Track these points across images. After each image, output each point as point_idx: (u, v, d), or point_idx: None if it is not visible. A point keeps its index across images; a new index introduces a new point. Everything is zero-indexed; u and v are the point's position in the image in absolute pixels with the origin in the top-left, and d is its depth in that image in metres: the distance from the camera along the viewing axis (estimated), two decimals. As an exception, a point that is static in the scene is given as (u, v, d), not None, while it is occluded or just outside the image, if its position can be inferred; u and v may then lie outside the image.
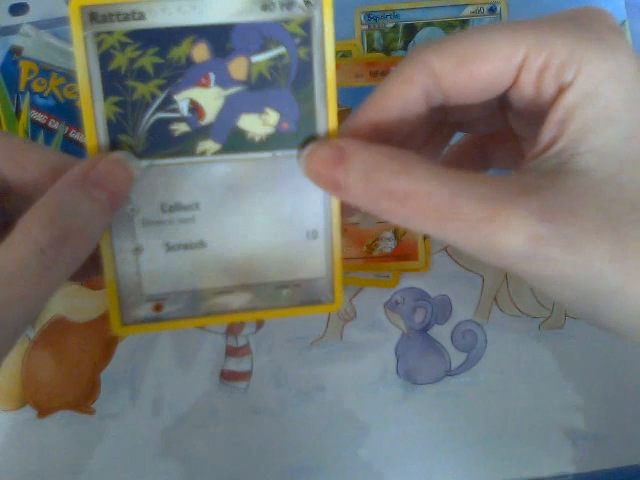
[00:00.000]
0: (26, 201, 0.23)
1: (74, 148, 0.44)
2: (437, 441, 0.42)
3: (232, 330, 0.43)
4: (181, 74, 0.24)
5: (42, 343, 0.43)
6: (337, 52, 0.43)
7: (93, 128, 0.24)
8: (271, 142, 0.25)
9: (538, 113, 0.22)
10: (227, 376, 0.43)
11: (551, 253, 0.20)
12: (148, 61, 0.24)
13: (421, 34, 0.44)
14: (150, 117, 0.25)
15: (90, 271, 0.25)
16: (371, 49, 0.44)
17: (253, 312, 0.27)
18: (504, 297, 0.43)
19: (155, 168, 0.25)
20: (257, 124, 0.25)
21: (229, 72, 0.25)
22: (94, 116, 0.24)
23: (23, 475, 0.42)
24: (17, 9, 0.46)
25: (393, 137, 0.24)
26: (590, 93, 0.21)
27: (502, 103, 0.25)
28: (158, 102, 0.25)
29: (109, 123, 0.24)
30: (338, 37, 0.44)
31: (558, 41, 0.21)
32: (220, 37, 0.24)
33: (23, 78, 0.44)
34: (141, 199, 0.25)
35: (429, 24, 0.44)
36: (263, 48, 0.24)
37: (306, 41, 0.24)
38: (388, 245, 0.42)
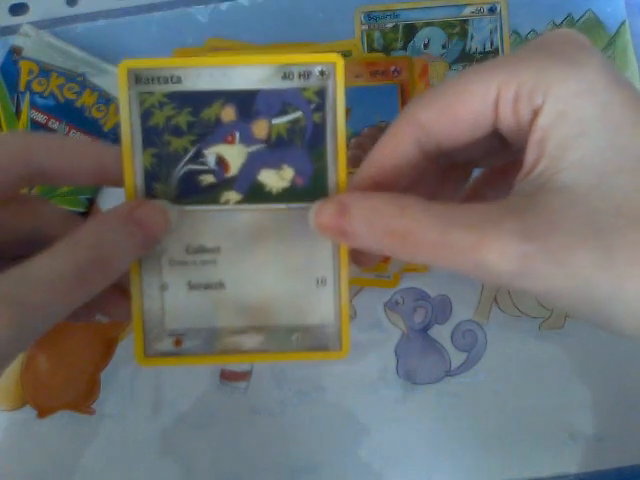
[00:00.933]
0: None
1: (74, 148, 0.44)
2: (437, 441, 0.42)
3: (232, 330, 0.43)
4: (210, 132, 0.28)
5: (42, 343, 0.43)
6: (337, 52, 0.43)
7: (132, 174, 0.27)
8: (286, 195, 0.28)
9: (523, 140, 0.24)
10: (227, 376, 0.43)
11: (539, 269, 0.21)
12: (183, 119, 0.28)
13: (421, 34, 0.44)
14: (181, 168, 0.28)
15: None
16: (371, 49, 0.44)
17: (264, 354, 0.29)
18: (504, 297, 0.43)
19: (183, 213, 0.28)
20: (275, 179, 0.28)
21: (252, 132, 0.28)
22: (133, 164, 0.27)
23: (23, 475, 0.42)
24: (17, 9, 0.46)
25: (396, 187, 0.27)
26: (561, 112, 0.22)
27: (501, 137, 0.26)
28: (189, 155, 0.28)
29: (146, 171, 0.28)
30: (338, 37, 0.44)
31: (525, 70, 0.23)
32: (245, 101, 0.27)
33: (23, 78, 0.44)
34: (169, 240, 0.28)
35: (429, 24, 0.44)
36: (282, 112, 0.27)
37: (320, 106, 0.27)
38: None
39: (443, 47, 0.44)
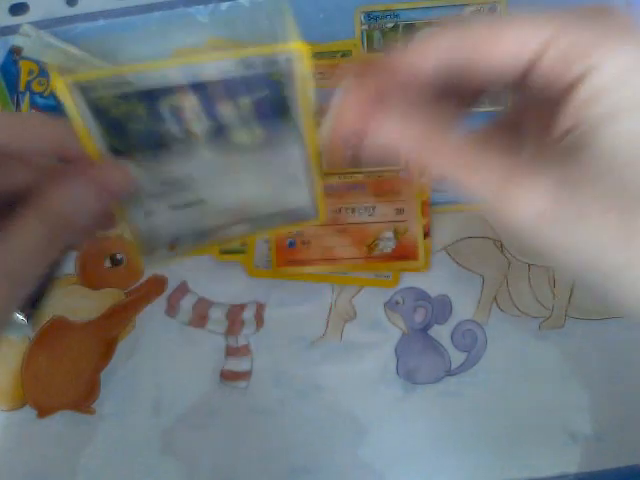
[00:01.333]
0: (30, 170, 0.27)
1: (74, 148, 0.44)
2: (437, 441, 0.42)
3: (232, 330, 0.43)
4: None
5: (42, 343, 0.43)
6: (337, 52, 0.43)
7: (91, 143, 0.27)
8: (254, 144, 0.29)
9: (561, 93, 0.23)
10: (227, 376, 0.43)
11: (564, 217, 0.22)
12: (141, 111, 0.27)
13: (421, 34, 0.44)
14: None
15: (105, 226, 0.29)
16: (371, 49, 0.44)
17: (252, 234, 0.32)
18: (504, 297, 0.43)
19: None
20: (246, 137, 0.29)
21: (218, 111, 0.28)
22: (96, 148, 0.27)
23: (23, 475, 0.42)
24: (17, 9, 0.46)
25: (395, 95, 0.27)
26: (617, 78, 0.22)
27: (521, 83, 0.25)
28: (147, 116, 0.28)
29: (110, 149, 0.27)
30: (338, 37, 0.44)
31: (586, 25, 0.22)
32: (209, 89, 0.27)
33: (23, 78, 0.44)
34: (143, 181, 0.29)
35: (429, 24, 0.44)
36: (248, 92, 0.27)
37: (288, 85, 0.28)
38: (388, 245, 0.42)
39: None
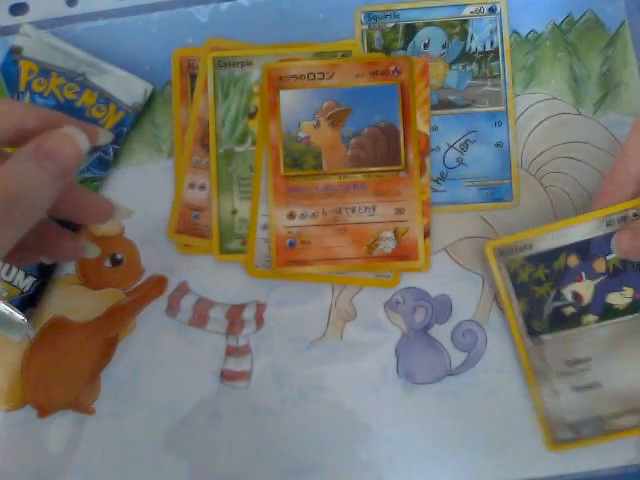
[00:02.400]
0: None
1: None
2: (437, 441, 0.42)
3: (232, 330, 0.43)
4: (563, 276, 0.39)
5: (42, 343, 0.43)
6: (337, 52, 0.43)
7: (513, 317, 0.41)
8: (631, 307, 0.39)
9: None
10: (227, 376, 0.43)
11: None
12: (541, 273, 0.39)
13: (421, 34, 0.44)
14: (549, 306, 0.40)
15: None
16: (371, 49, 0.44)
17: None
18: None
19: (558, 338, 0.40)
20: (619, 298, 0.39)
21: (594, 269, 0.39)
22: (513, 310, 0.40)
23: (23, 475, 0.42)
24: (17, 9, 0.46)
25: None
26: None
27: None
28: (552, 296, 0.40)
29: (523, 314, 0.40)
30: (338, 37, 0.44)
31: None
32: (583, 248, 0.39)
33: (23, 78, 0.44)
34: (554, 359, 0.40)
35: (429, 24, 0.44)
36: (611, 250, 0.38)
37: None
38: (388, 245, 0.42)
39: (443, 47, 0.44)
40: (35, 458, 0.42)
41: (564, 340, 0.40)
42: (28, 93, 0.44)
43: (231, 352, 0.43)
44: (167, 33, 0.45)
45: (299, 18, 0.45)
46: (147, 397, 0.43)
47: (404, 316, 0.43)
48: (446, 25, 0.44)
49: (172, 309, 0.44)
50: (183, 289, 0.44)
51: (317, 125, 0.42)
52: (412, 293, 0.43)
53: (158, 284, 0.44)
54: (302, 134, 0.42)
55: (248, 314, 0.43)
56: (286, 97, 0.42)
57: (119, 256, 0.44)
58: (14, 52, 0.44)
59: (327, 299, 0.43)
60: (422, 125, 0.42)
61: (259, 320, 0.43)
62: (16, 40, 0.44)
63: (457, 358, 0.43)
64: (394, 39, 0.44)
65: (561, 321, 0.40)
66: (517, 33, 0.44)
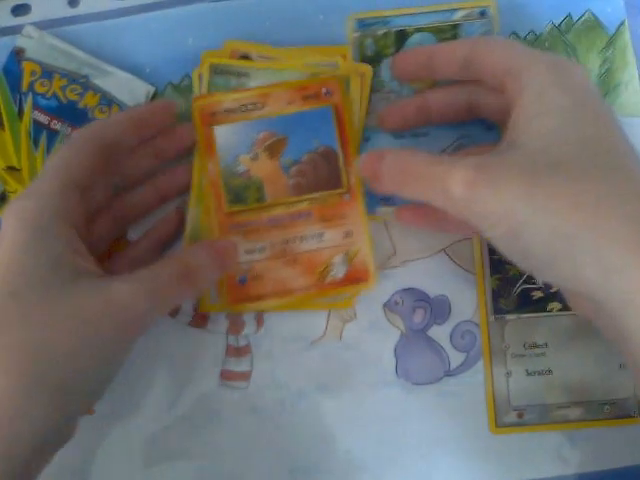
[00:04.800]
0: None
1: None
2: (437, 441, 0.42)
3: (233, 330, 0.43)
4: None
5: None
6: (329, 58, 0.43)
7: (483, 293, 0.42)
8: None
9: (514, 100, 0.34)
10: (227, 376, 0.43)
11: (481, 193, 0.30)
12: None
13: (412, 40, 0.44)
14: (519, 287, 0.41)
15: None
16: (363, 56, 0.44)
17: (582, 423, 0.41)
18: (504, 298, 0.43)
19: (521, 320, 0.41)
20: None
21: None
22: (484, 285, 0.42)
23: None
24: (19, 10, 0.46)
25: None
26: (539, 94, 0.32)
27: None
28: (524, 278, 0.41)
29: (493, 291, 0.42)
30: (339, 40, 0.44)
31: (532, 63, 0.33)
32: None
33: (26, 79, 0.44)
34: (512, 340, 0.41)
35: (420, 30, 0.44)
36: None
37: None
38: (340, 270, 0.41)
39: None
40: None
41: (526, 323, 0.42)
42: (30, 94, 0.44)
43: (231, 352, 0.43)
44: (167, 33, 0.45)
45: (299, 19, 0.45)
46: (147, 397, 0.43)
47: (403, 317, 0.43)
48: (437, 30, 0.44)
49: (172, 309, 0.44)
50: (183, 289, 0.44)
51: (255, 158, 0.41)
52: (411, 294, 0.43)
53: (158, 284, 0.44)
54: (241, 168, 0.41)
55: (248, 314, 0.43)
56: (221, 133, 0.41)
57: (120, 256, 0.44)
58: (16, 53, 0.44)
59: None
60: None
61: (259, 320, 0.43)
62: (18, 41, 0.44)
63: (456, 359, 0.43)
64: (385, 45, 0.44)
65: (527, 303, 0.41)
66: (515, 34, 0.44)
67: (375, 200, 0.43)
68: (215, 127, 0.41)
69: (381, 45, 0.44)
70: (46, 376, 0.30)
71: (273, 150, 0.41)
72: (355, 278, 0.41)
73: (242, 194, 0.41)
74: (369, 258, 0.41)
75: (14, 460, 0.30)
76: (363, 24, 0.45)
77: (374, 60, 0.44)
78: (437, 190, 0.32)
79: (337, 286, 0.41)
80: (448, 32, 0.44)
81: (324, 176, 0.41)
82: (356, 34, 0.45)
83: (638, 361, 0.29)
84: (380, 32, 0.44)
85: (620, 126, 0.33)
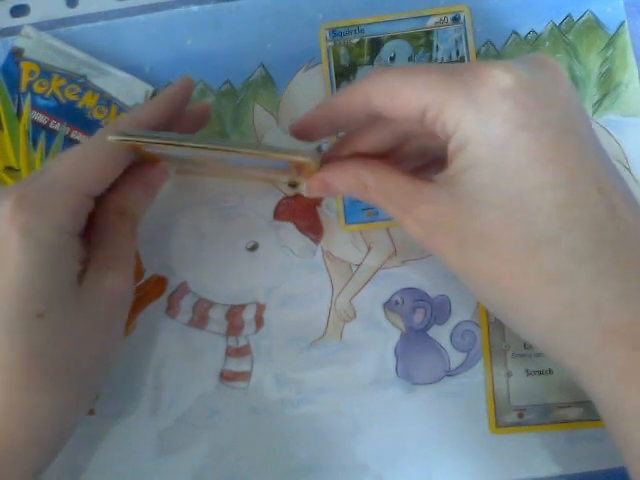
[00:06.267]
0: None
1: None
2: (437, 441, 0.42)
3: (232, 331, 0.43)
4: None
5: (43, 343, 0.44)
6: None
7: None
8: None
9: (445, 140, 0.31)
10: (227, 377, 0.43)
11: (429, 248, 0.32)
12: None
13: (387, 47, 0.44)
14: None
15: None
16: (337, 66, 0.44)
17: (584, 423, 0.41)
18: (504, 297, 0.43)
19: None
20: None
21: None
22: None
23: (23, 475, 0.43)
24: (18, 10, 0.46)
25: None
26: (463, 147, 0.29)
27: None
28: None
29: None
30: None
31: (453, 93, 0.29)
32: None
33: (24, 79, 0.44)
34: (513, 339, 0.41)
35: (394, 37, 0.44)
36: None
37: None
38: None
39: (409, 59, 0.44)
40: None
41: None
42: (29, 94, 0.44)
43: (231, 353, 0.43)
44: (167, 34, 0.45)
45: (298, 18, 0.45)
46: (147, 397, 0.43)
47: (403, 317, 0.43)
48: (411, 37, 0.44)
49: (172, 309, 0.44)
50: (183, 289, 0.44)
51: None
52: (411, 294, 0.43)
53: (158, 284, 0.44)
54: None
55: (248, 315, 0.43)
56: None
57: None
58: (15, 54, 0.44)
59: (327, 299, 0.43)
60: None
61: (259, 321, 0.43)
62: (17, 41, 0.44)
63: (456, 359, 0.43)
64: (360, 54, 0.44)
65: None
66: (516, 33, 0.44)
67: (359, 209, 0.43)
68: None
69: (355, 54, 0.44)
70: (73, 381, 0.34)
71: None
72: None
73: None
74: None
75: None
76: (336, 33, 0.44)
77: (349, 70, 0.44)
78: (398, 220, 0.34)
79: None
80: (422, 38, 0.44)
81: None
82: (329, 44, 0.44)
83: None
84: (354, 41, 0.44)
85: (563, 151, 0.28)
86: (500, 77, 0.28)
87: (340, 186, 0.34)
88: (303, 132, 0.36)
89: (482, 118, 0.28)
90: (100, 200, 0.35)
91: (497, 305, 0.31)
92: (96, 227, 0.35)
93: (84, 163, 0.33)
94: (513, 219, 0.28)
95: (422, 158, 0.37)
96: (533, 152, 0.28)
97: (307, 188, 0.36)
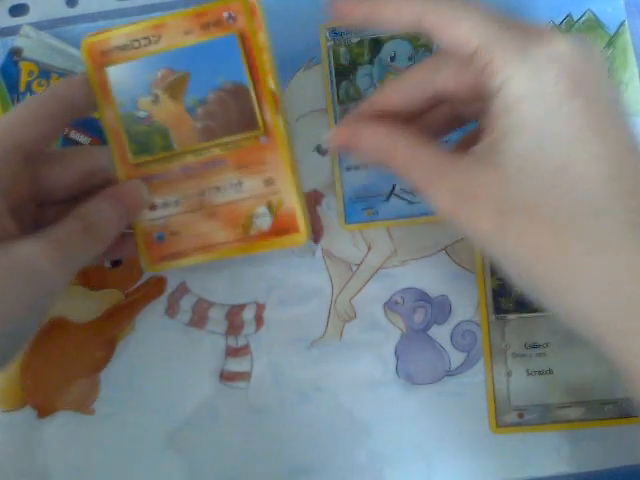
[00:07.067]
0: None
1: (74, 148, 0.44)
2: (437, 441, 0.42)
3: (232, 330, 0.43)
4: None
5: (42, 343, 0.44)
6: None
7: (484, 295, 0.43)
8: None
9: (489, 98, 0.29)
10: (227, 376, 0.43)
11: (459, 219, 0.30)
12: None
13: (387, 47, 0.44)
14: None
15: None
16: (338, 65, 0.44)
17: (584, 422, 0.42)
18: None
19: (521, 319, 0.42)
20: None
21: None
22: (485, 286, 0.43)
23: (23, 475, 0.43)
24: (17, 10, 0.46)
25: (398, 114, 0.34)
26: (510, 106, 0.28)
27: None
28: None
29: (493, 291, 0.43)
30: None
31: (508, 41, 0.28)
32: None
33: (23, 79, 0.44)
34: (513, 339, 0.42)
35: (394, 37, 0.44)
36: None
37: None
38: (264, 222, 0.36)
39: (409, 59, 0.44)
40: (35, 458, 0.42)
41: (527, 322, 0.42)
42: (28, 94, 0.44)
43: (231, 353, 0.43)
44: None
45: (299, 18, 0.45)
46: (146, 397, 0.43)
47: (403, 316, 0.43)
48: (411, 37, 0.44)
49: (172, 309, 0.44)
50: (183, 289, 0.44)
51: (156, 100, 0.36)
52: (412, 294, 0.43)
53: (158, 284, 0.44)
54: (142, 113, 0.36)
55: (247, 314, 0.43)
56: (115, 74, 0.35)
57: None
58: (14, 53, 0.44)
59: (326, 299, 0.43)
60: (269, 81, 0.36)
61: (258, 320, 0.43)
62: (16, 41, 0.44)
63: (456, 358, 0.43)
64: (360, 53, 0.44)
65: (528, 303, 0.38)
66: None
67: (359, 209, 0.43)
68: (107, 68, 0.35)
69: (356, 54, 0.44)
70: None
71: (174, 90, 0.35)
72: (282, 229, 0.36)
73: (146, 142, 0.36)
74: (297, 207, 0.36)
75: None
76: (336, 33, 0.44)
77: (349, 69, 0.44)
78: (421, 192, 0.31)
79: (263, 239, 0.36)
80: (422, 38, 0.44)
81: (235, 117, 0.35)
82: (329, 43, 0.44)
83: None
84: (354, 40, 0.44)
85: (613, 133, 0.28)
86: (559, 42, 0.28)
87: (367, 143, 0.32)
88: (341, 8, 0.33)
89: (537, 77, 0.27)
90: (65, 209, 0.34)
91: (535, 278, 0.29)
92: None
93: (23, 112, 0.33)
94: (559, 188, 0.27)
95: (446, 131, 0.36)
96: (585, 120, 0.27)
97: (330, 136, 0.34)
